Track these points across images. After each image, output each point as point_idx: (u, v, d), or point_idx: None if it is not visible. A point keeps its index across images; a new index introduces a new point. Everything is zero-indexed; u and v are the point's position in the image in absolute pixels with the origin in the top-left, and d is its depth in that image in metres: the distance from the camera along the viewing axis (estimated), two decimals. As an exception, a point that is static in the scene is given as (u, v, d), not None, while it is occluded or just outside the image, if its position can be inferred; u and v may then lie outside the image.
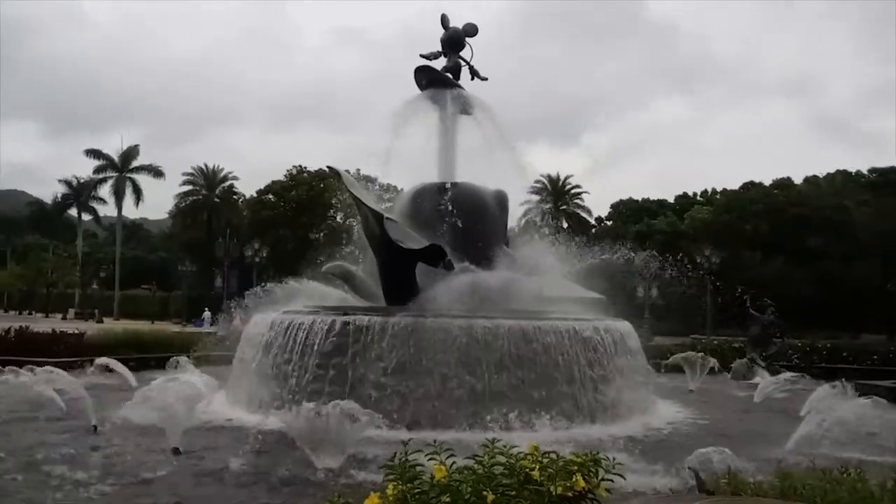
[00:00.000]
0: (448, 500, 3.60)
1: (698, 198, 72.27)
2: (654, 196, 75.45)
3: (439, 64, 16.15)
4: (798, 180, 61.63)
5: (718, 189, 70.30)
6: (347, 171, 17.35)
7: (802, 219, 50.96)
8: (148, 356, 18.89)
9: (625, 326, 13.45)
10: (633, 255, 18.00)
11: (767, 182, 60.13)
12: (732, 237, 52.10)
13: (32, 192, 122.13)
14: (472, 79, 16.30)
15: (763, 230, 52.67)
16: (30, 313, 65.74)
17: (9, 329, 18.87)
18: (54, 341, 18.67)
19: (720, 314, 39.96)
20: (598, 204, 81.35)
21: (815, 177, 63.62)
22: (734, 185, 63.75)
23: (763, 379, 17.30)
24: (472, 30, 16.32)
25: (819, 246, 49.36)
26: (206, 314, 46.68)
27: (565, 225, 63.91)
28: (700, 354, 18.79)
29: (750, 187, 59.84)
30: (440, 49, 16.18)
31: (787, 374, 16.54)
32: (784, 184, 59.29)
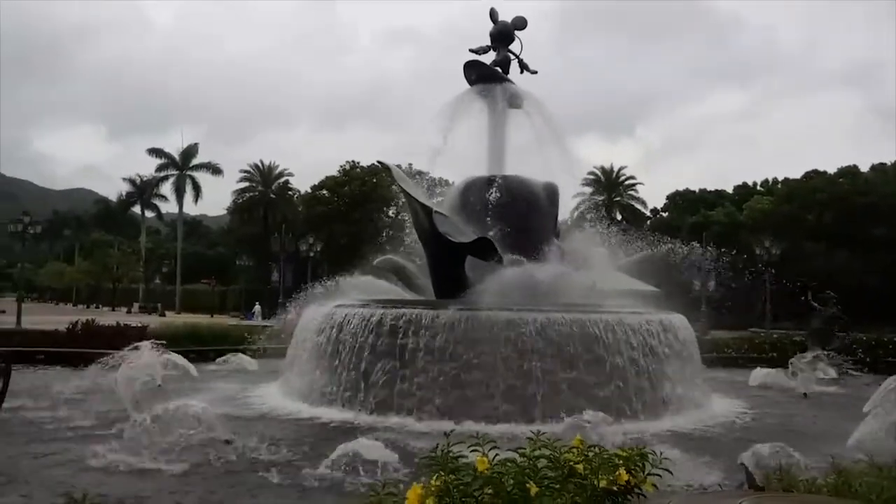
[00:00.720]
0: (491, 491, 3.62)
1: (758, 188, 70.14)
2: (712, 187, 73.68)
3: (488, 58, 16.10)
4: (864, 168, 59.27)
5: (780, 179, 68.10)
6: (398, 165, 17.50)
7: (869, 208, 49.03)
8: (207, 349, 19.45)
9: (679, 319, 13.21)
10: (688, 246, 17.66)
11: (831, 171, 57.97)
12: (794, 228, 50.48)
13: (98, 190, 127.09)
14: (522, 72, 16.21)
15: (827, 220, 50.87)
16: (97, 307, 68.24)
17: (76, 322, 19.66)
18: (118, 334, 19.30)
19: (780, 307, 38.84)
20: (653, 195, 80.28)
21: (882, 164, 61.07)
22: (796, 174, 61.67)
23: (824, 374, 16.81)
24: (521, 23, 16.21)
25: (886, 235, 47.42)
26: (257, 307, 47.94)
27: (619, 217, 63.02)
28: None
29: (813, 176, 57.77)
30: (489, 43, 16.13)
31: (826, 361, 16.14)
32: (850, 172, 57.03)
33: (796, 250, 47.22)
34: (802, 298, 22.13)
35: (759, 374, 17.39)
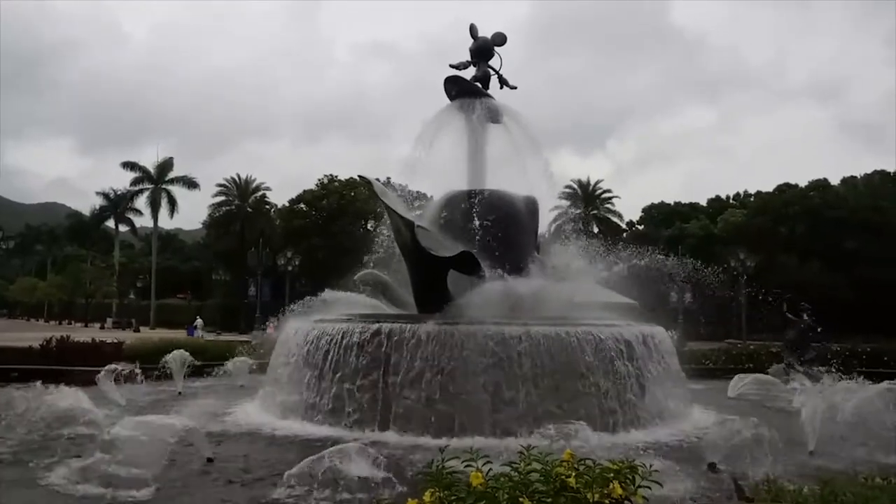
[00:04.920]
0: (485, 506, 3.63)
1: (731, 201, 71.22)
2: (686, 200, 74.68)
3: (468, 73, 16.22)
4: (835, 181, 60.43)
5: (752, 192, 69.20)
6: (377, 179, 17.48)
7: (840, 221, 49.97)
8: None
9: (658, 331, 13.33)
10: (665, 258, 17.83)
11: (803, 184, 59.02)
12: (767, 240, 51.27)
13: (71, 204, 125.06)
14: (502, 88, 16.33)
15: (799, 233, 51.75)
16: (69, 323, 67.18)
17: (50, 339, 19.32)
18: (94, 350, 19.04)
19: (755, 318, 39.36)
20: (629, 208, 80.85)
21: (852, 177, 62.37)
22: (768, 187, 62.70)
23: (802, 384, 16.98)
24: (500, 39, 16.36)
25: (856, 248, 48.36)
26: (199, 321, 47.83)
27: (596, 230, 63.50)
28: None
29: (785, 189, 58.77)
30: (469, 59, 16.25)
31: (801, 369, 16.31)
32: (820, 185, 58.14)
33: (770, 262, 47.95)
34: (777, 307, 22.43)
35: (738, 384, 17.53)
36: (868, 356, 21.72)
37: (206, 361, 19.09)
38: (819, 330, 21.46)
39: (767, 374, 19.79)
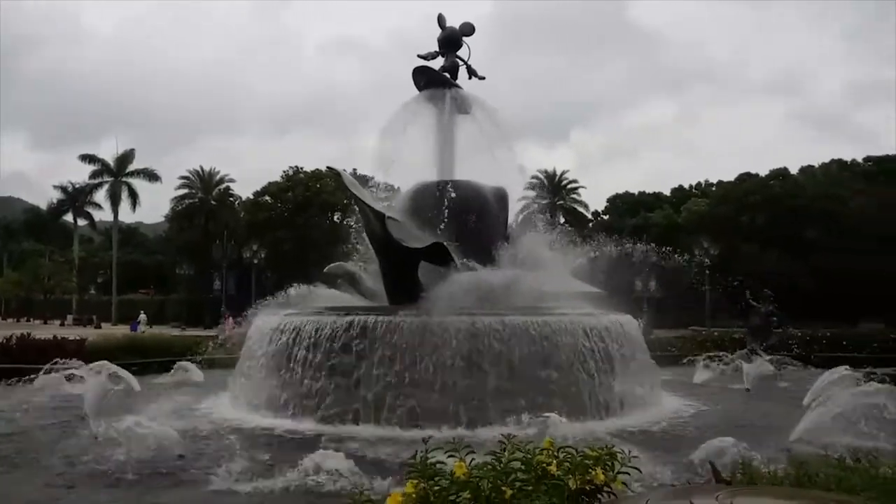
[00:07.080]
0: (468, 496, 3.63)
1: (694, 190, 72.33)
2: (650, 190, 75.63)
3: (437, 64, 16.15)
4: (794, 170, 61.77)
5: (714, 181, 70.39)
6: (345, 170, 17.36)
7: (798, 210, 51.06)
8: (149, 360, 18.90)
9: (627, 320, 13.49)
10: (631, 247, 18.04)
11: (763, 173, 60.19)
12: (729, 229, 52.18)
13: (28, 199, 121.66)
14: (470, 78, 16.30)
15: (759, 221, 52.74)
16: (28, 320, 65.57)
17: (10, 336, 18.84)
18: (56, 348, 18.60)
19: (719, 306, 40.08)
20: (594, 199, 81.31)
21: (810, 167, 63.76)
22: (730, 177, 63.83)
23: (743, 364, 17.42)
24: (468, 29, 16.31)
25: (815, 236, 49.50)
26: (142, 316, 47.42)
27: (562, 220, 63.98)
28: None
29: (746, 178, 59.85)
30: (437, 49, 16.18)
31: (765, 357, 16.91)
32: (780, 174, 59.35)
33: (732, 251, 48.80)
34: (740, 294, 22.88)
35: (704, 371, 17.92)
36: (828, 341, 22.32)
37: (174, 357, 18.72)
38: (778, 317, 21.93)
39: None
